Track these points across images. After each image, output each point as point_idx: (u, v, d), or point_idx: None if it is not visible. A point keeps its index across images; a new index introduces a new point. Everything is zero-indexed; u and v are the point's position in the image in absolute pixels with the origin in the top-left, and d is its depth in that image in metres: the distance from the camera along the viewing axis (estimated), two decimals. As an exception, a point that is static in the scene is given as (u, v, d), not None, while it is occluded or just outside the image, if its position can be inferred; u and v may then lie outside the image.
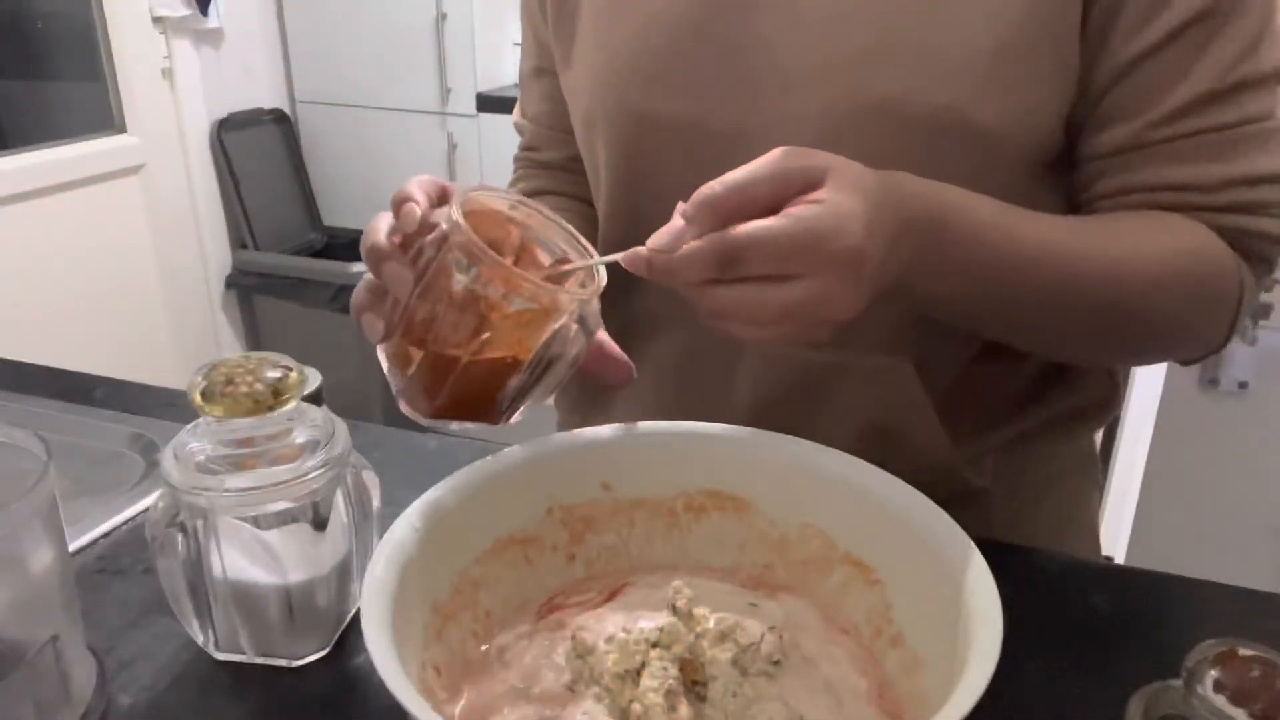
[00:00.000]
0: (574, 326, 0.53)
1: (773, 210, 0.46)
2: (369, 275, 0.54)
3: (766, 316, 0.47)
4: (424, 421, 0.55)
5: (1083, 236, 0.58)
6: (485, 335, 0.51)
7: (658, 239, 0.48)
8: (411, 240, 0.52)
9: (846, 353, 0.65)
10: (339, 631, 0.55)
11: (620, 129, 0.68)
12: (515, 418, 0.56)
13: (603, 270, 0.54)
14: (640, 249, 0.48)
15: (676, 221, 0.48)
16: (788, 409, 0.67)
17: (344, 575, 0.54)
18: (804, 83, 0.61)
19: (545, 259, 0.56)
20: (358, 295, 0.55)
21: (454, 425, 0.56)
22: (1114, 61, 0.58)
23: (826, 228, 0.45)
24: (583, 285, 0.54)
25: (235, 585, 0.51)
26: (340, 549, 0.54)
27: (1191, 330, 0.62)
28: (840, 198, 0.46)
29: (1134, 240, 0.58)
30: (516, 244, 0.56)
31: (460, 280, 0.50)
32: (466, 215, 0.50)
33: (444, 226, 0.51)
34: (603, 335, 0.62)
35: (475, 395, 0.53)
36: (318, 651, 0.54)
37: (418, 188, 0.54)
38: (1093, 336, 0.61)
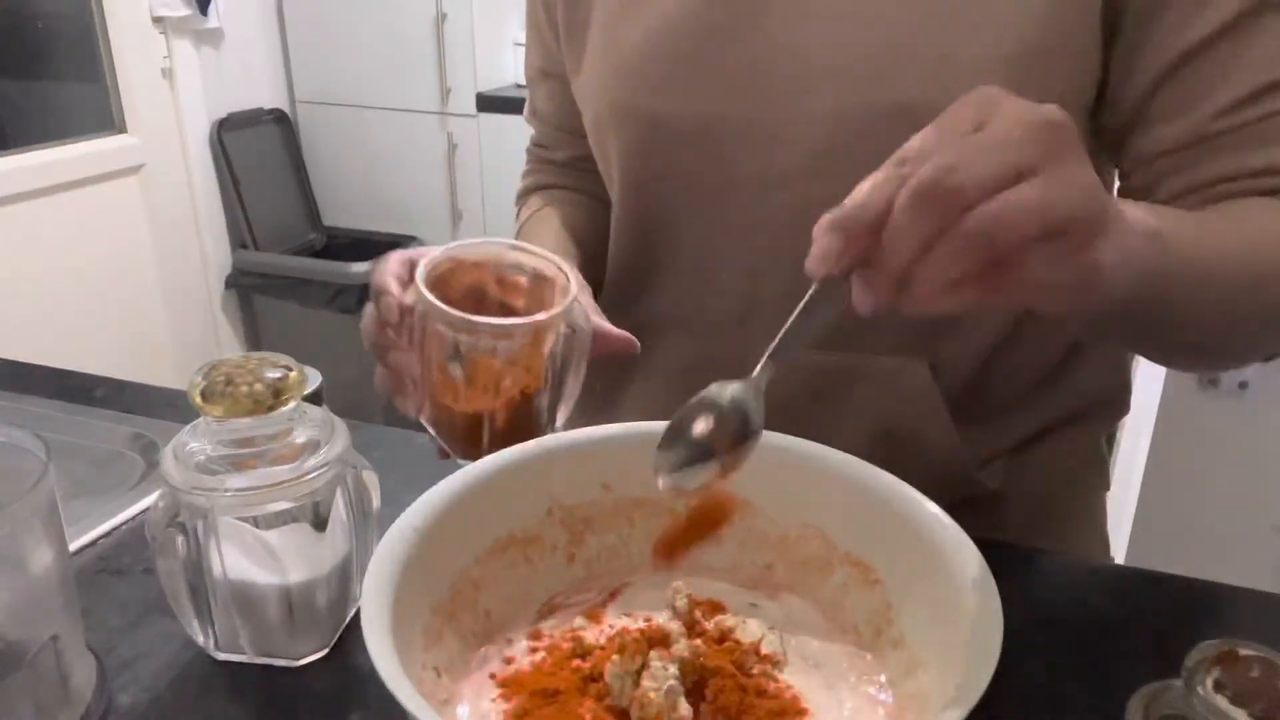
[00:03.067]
0: (568, 332, 0.57)
1: None
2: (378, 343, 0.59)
3: (1029, 222, 0.36)
4: None
5: (1212, 222, 0.55)
6: (504, 381, 0.57)
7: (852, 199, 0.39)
8: (401, 324, 0.57)
9: (860, 354, 0.65)
10: (339, 631, 0.55)
11: (632, 131, 0.68)
12: (560, 420, 0.61)
13: (571, 275, 0.58)
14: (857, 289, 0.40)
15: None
16: (800, 412, 0.67)
17: (344, 575, 0.54)
18: (817, 85, 0.61)
19: (522, 280, 0.60)
20: (379, 377, 0.61)
21: None
22: (1162, 58, 0.57)
23: (1018, 107, 0.38)
24: (564, 293, 0.58)
25: (235, 585, 0.51)
26: (340, 549, 0.54)
27: None
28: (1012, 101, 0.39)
29: (1258, 224, 0.55)
30: (494, 280, 0.60)
31: (450, 347, 0.55)
32: (433, 286, 0.55)
33: (420, 308, 0.55)
34: (597, 320, 0.63)
35: (515, 428, 0.58)
36: (317, 651, 0.54)
37: (390, 276, 0.57)
38: (1239, 323, 0.56)
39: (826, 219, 0.40)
